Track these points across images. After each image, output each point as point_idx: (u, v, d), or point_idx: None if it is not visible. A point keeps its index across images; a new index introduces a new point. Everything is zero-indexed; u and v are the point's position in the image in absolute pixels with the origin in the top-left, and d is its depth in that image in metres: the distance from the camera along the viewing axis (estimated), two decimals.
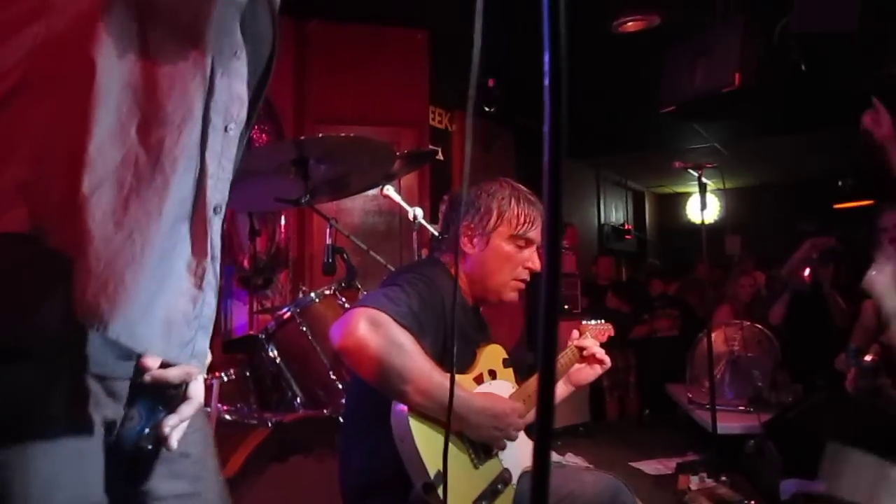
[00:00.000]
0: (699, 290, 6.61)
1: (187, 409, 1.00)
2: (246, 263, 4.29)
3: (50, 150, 0.83)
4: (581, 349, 2.16)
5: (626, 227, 9.94)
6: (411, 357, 1.63)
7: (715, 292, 6.50)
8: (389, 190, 2.96)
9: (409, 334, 1.65)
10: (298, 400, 2.72)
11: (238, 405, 2.74)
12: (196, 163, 0.92)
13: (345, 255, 2.80)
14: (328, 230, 2.68)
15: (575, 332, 2.21)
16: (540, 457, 0.56)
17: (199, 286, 0.94)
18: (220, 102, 0.95)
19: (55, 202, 0.82)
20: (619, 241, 9.73)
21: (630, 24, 4.81)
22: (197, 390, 1.03)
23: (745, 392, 4.74)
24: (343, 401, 2.57)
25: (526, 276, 2.01)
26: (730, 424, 4.34)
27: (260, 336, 2.79)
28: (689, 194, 10.71)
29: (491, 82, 5.83)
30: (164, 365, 0.97)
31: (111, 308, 0.82)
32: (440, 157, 6.13)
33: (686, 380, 5.25)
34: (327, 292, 2.71)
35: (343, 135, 2.19)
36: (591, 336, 2.21)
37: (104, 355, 0.90)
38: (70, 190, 0.81)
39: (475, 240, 1.95)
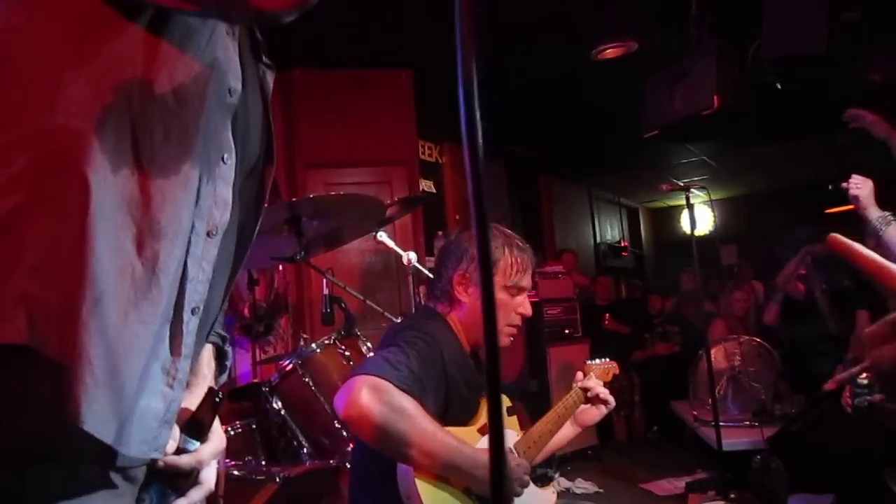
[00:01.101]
0: (696, 304, 6.65)
1: (196, 494, 1.04)
2: (246, 312, 4.34)
3: (49, 264, 0.86)
4: (586, 390, 2.19)
5: (623, 244, 9.99)
6: (414, 421, 1.66)
7: (712, 305, 6.55)
8: (383, 236, 3.02)
9: (410, 398, 1.68)
10: (305, 450, 2.76)
11: (246, 458, 2.77)
12: (180, 268, 0.96)
13: (342, 304, 2.85)
14: (325, 281, 2.74)
15: (579, 374, 2.24)
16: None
17: (171, 385, 0.97)
18: (204, 209, 0.99)
19: (54, 313, 0.85)
20: (617, 258, 9.79)
21: (609, 51, 4.90)
22: (209, 476, 1.07)
23: (749, 406, 4.76)
24: (349, 448, 2.61)
25: (518, 321, 2.05)
26: (736, 440, 4.36)
27: (263, 389, 2.83)
28: (683, 207, 10.74)
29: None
30: (178, 451, 1.01)
31: (112, 418, 0.87)
32: (433, 189, 6.22)
33: (690, 396, 5.28)
34: (327, 342, 2.75)
35: (333, 193, 2.25)
36: (596, 376, 2.25)
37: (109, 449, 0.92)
38: (69, 302, 0.85)
39: (469, 289, 1.98)
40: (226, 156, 1.02)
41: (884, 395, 2.48)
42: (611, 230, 10.02)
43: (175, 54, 0.94)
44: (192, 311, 0.98)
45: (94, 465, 0.91)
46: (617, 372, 2.36)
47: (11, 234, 0.85)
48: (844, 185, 2.76)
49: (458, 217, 6.44)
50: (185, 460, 1.02)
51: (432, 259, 5.50)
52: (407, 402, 1.68)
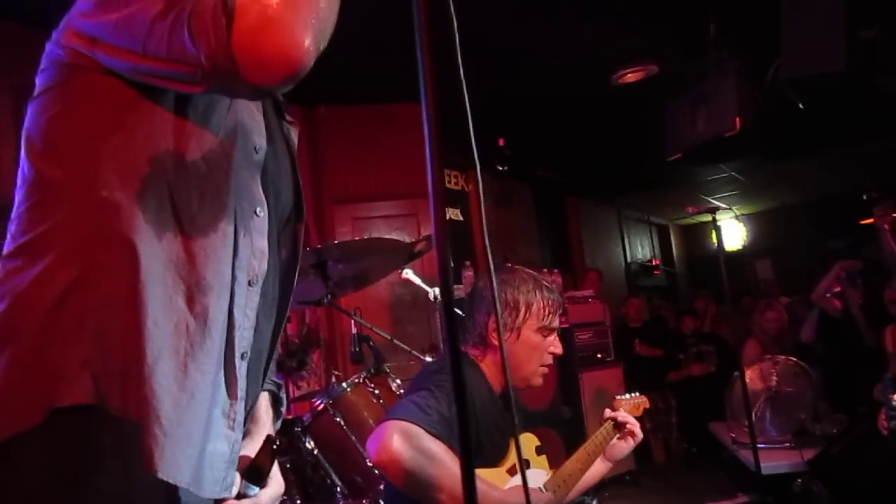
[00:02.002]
0: (730, 323, 6.58)
1: None
2: (279, 348, 4.39)
3: (108, 329, 0.94)
4: (616, 424, 2.19)
5: (654, 262, 9.90)
6: (444, 466, 1.68)
7: (745, 323, 6.46)
8: (409, 273, 3.05)
9: (440, 442, 1.71)
10: (338, 489, 2.78)
11: (282, 499, 2.80)
12: (226, 317, 1.03)
13: (370, 343, 2.88)
14: (353, 321, 2.77)
15: (608, 411, 2.24)
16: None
17: (233, 428, 1.04)
18: (244, 260, 1.06)
19: (115, 374, 0.93)
20: (648, 277, 9.71)
21: (629, 75, 4.92)
22: None
23: (789, 427, 4.66)
24: (381, 487, 2.63)
25: (550, 360, 2.08)
26: (775, 463, 4.27)
27: (296, 429, 2.86)
28: (709, 211, 10.65)
29: (501, 141, 5.95)
30: (239, 495, 1.08)
31: (186, 463, 0.94)
32: (459, 216, 6.25)
33: (727, 418, 5.19)
34: (357, 381, 2.78)
35: (358, 238, 2.28)
36: (626, 411, 2.25)
37: (188, 496, 0.99)
38: (130, 361, 0.93)
39: (505, 333, 2.00)
40: (258, 209, 1.09)
41: None
42: (641, 249, 9.95)
43: (201, 123, 1.02)
44: (242, 357, 1.05)
45: None
46: (648, 406, 2.36)
47: (74, 303, 0.93)
48: None
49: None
50: None
51: (460, 287, 5.51)
52: (437, 447, 1.70)
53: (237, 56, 0.85)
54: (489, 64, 4.63)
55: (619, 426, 2.20)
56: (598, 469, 2.21)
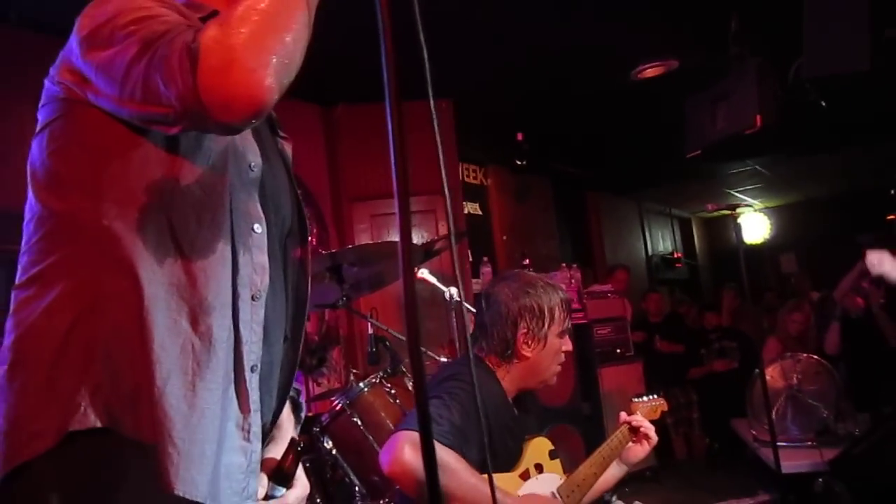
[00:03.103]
0: (752, 320, 6.51)
1: None
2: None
3: (116, 355, 0.98)
4: (632, 428, 2.19)
5: (676, 255, 9.83)
6: (456, 476, 1.70)
7: (769, 320, 6.39)
8: (425, 273, 3.06)
9: (452, 452, 1.73)
10: (357, 489, 2.80)
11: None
12: (231, 334, 1.06)
13: (387, 344, 2.90)
14: (369, 323, 2.79)
15: (623, 415, 2.24)
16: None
17: (248, 439, 1.08)
18: (245, 276, 1.09)
19: (126, 398, 0.97)
20: (670, 270, 9.64)
21: (649, 70, 4.88)
22: None
23: (811, 426, 4.61)
24: (398, 487, 2.65)
25: (563, 359, 2.08)
26: (797, 462, 4.24)
27: (315, 429, 2.89)
28: (729, 208, 10.53)
29: (520, 136, 5.93)
30: (267, 497, 1.14)
31: (201, 479, 0.99)
32: (478, 210, 6.25)
33: (748, 416, 5.15)
34: (374, 381, 2.81)
35: (371, 242, 2.29)
36: (643, 414, 2.25)
37: None
38: (140, 385, 0.97)
39: (532, 344, 2.01)
40: (256, 226, 1.12)
41: None
42: (663, 242, 9.88)
43: (193, 149, 1.05)
44: (252, 370, 1.09)
45: None
46: (665, 409, 2.35)
47: (83, 331, 0.98)
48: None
49: (504, 238, 6.46)
50: None
51: (478, 282, 5.52)
52: (449, 457, 1.72)
53: (203, 97, 0.89)
54: (509, 58, 4.61)
55: (634, 430, 2.20)
56: (614, 473, 2.21)
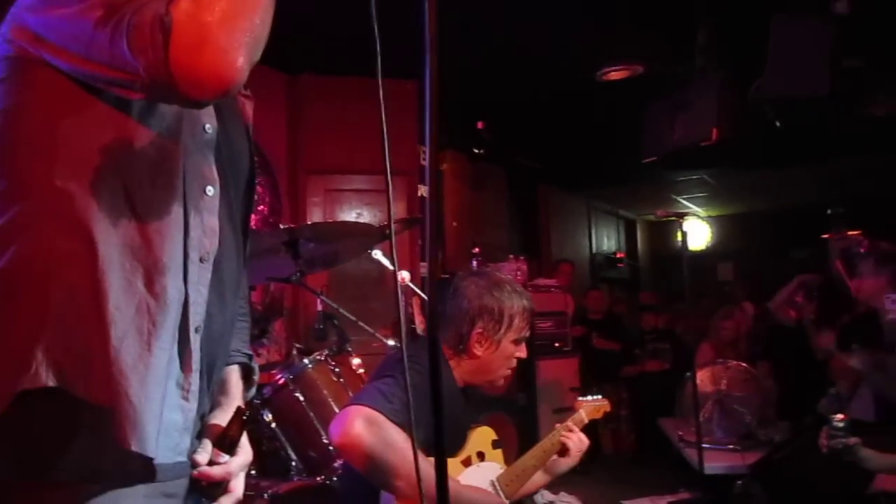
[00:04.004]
0: (687, 322, 6.72)
1: (226, 501, 1.18)
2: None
3: (69, 316, 0.99)
4: (564, 442, 2.23)
5: (619, 255, 10.03)
6: (402, 454, 1.73)
7: (703, 324, 6.59)
8: (378, 254, 3.05)
9: (401, 431, 1.76)
10: (293, 463, 2.80)
11: None
12: (181, 295, 1.08)
13: (335, 322, 2.90)
14: (319, 300, 2.78)
15: (556, 426, 2.28)
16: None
17: (187, 398, 1.10)
18: (195, 239, 1.10)
19: (77, 359, 0.98)
20: (612, 269, 9.83)
21: (614, 73, 4.95)
22: (238, 486, 1.21)
23: (735, 430, 4.80)
24: (336, 465, 2.66)
25: (514, 365, 2.12)
26: (718, 464, 4.40)
27: (255, 402, 2.87)
28: (677, 215, 10.78)
29: (480, 125, 5.95)
30: (210, 463, 1.15)
31: (153, 435, 1.02)
32: None
33: (676, 415, 5.32)
34: (319, 358, 2.80)
35: (331, 221, 2.29)
36: (587, 413, 2.31)
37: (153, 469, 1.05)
38: (94, 345, 0.98)
39: (485, 344, 2.04)
40: (209, 188, 1.13)
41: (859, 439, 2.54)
42: (608, 241, 10.06)
43: (147, 110, 1.05)
44: (196, 330, 1.10)
45: (137, 486, 1.03)
46: (608, 410, 2.42)
47: (35, 293, 0.99)
48: None
49: (455, 224, 6.48)
50: (216, 472, 1.15)
51: (426, 265, 5.53)
52: (397, 436, 1.75)
53: (174, 73, 0.89)
54: (478, 47, 4.61)
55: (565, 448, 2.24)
56: (539, 479, 2.26)
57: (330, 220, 4.61)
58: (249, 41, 0.92)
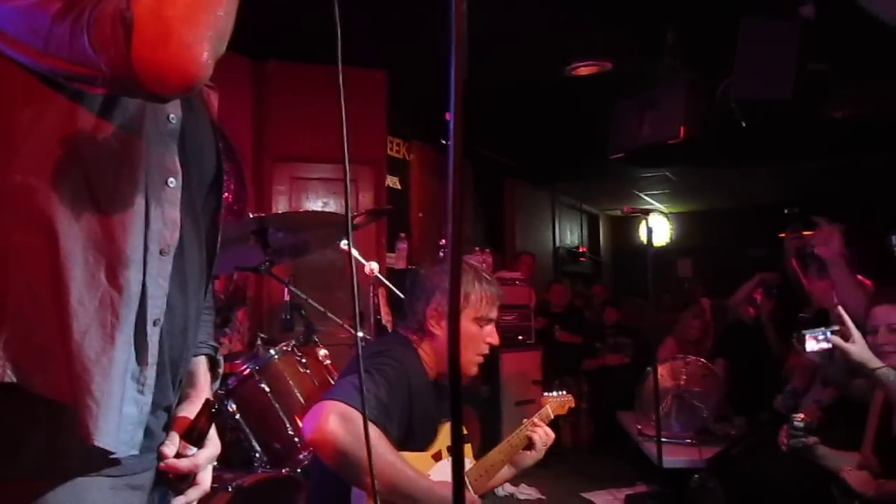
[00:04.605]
0: (647, 317, 6.82)
1: (194, 494, 1.19)
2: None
3: (28, 310, 0.98)
4: (531, 440, 2.25)
5: (582, 249, 10.12)
6: (376, 452, 1.71)
7: (664, 319, 6.70)
8: (346, 244, 3.04)
9: (376, 428, 1.75)
10: (257, 454, 2.77)
11: None
12: (140, 288, 1.06)
13: (303, 312, 2.87)
14: (286, 289, 2.75)
15: (524, 421, 2.30)
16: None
17: (142, 392, 1.08)
18: (156, 231, 1.08)
19: (35, 352, 0.97)
20: (575, 263, 9.91)
21: (583, 68, 4.98)
22: (205, 478, 1.21)
23: (692, 425, 4.89)
24: (301, 456, 2.65)
25: (486, 350, 2.12)
26: (676, 458, 4.48)
27: (220, 392, 2.84)
28: (642, 212, 10.91)
29: (448, 116, 5.92)
30: (178, 455, 1.14)
31: (115, 429, 1.01)
32: (398, 185, 6.23)
33: (636, 409, 5.40)
34: (286, 349, 2.77)
35: (302, 210, 2.26)
36: (552, 408, 2.33)
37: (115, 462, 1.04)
38: (53, 340, 0.97)
39: (442, 322, 2.03)
40: (170, 179, 1.11)
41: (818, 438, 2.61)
42: (570, 235, 10.14)
43: (109, 101, 1.03)
44: (154, 323, 1.08)
45: (103, 479, 1.03)
46: (573, 405, 2.44)
47: None
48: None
49: (420, 215, 6.47)
50: (183, 464, 1.15)
51: (392, 256, 5.52)
52: (372, 433, 1.73)
53: (137, 68, 0.88)
54: (445, 42, 4.58)
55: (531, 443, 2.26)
56: (505, 474, 2.28)
57: (296, 209, 4.56)
58: (213, 35, 0.91)
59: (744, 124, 3.71)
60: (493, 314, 2.10)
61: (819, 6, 3.48)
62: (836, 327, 2.47)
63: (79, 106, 1.00)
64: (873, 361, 2.40)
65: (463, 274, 2.07)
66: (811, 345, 2.53)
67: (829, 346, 2.45)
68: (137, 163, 1.05)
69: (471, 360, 2.10)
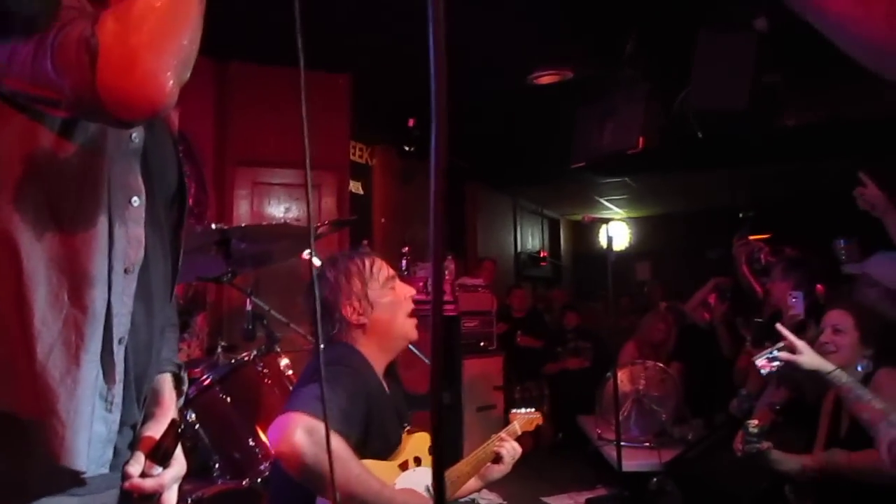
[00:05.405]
0: (604, 321, 6.92)
1: None
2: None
3: None
4: (498, 454, 2.28)
5: (543, 254, 10.20)
6: (341, 464, 1.73)
7: (622, 322, 6.79)
8: (308, 254, 3.03)
9: (340, 439, 1.75)
10: (217, 465, 2.75)
11: None
12: (105, 306, 1.07)
13: (264, 322, 2.85)
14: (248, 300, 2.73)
15: (492, 436, 2.33)
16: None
17: (110, 410, 1.09)
18: (120, 250, 1.09)
19: None
20: (536, 267, 9.99)
21: (545, 77, 5.03)
22: (170, 498, 1.21)
23: (651, 428, 4.97)
24: (261, 467, 2.63)
25: (412, 305, 2.12)
26: (636, 462, 4.55)
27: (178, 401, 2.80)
28: (602, 220, 11.04)
29: (411, 122, 5.94)
30: (143, 475, 1.14)
31: (83, 448, 1.01)
32: (360, 190, 6.22)
33: (596, 413, 5.47)
34: (247, 358, 2.75)
35: (265, 223, 2.26)
36: (520, 425, 2.37)
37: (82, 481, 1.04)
38: (16, 360, 0.97)
39: (358, 307, 2.03)
40: (134, 198, 1.12)
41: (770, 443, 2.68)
42: (532, 240, 10.22)
43: (71, 122, 1.03)
44: (119, 342, 1.09)
45: (67, 498, 1.03)
46: (541, 422, 2.49)
47: None
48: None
49: (383, 220, 6.46)
50: (148, 484, 1.15)
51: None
52: (337, 444, 1.74)
53: (101, 95, 0.89)
54: (411, 44, 4.58)
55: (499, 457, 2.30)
56: (472, 486, 2.30)
57: (258, 213, 4.52)
58: (178, 63, 0.92)
59: (700, 135, 3.80)
60: (388, 271, 2.11)
61: (772, 20, 3.57)
62: (781, 343, 2.53)
63: (40, 125, 1.00)
64: (825, 366, 2.47)
65: (331, 265, 2.08)
66: (764, 366, 2.60)
67: (780, 363, 2.52)
68: (100, 182, 1.05)
69: (404, 322, 2.09)
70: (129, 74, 0.88)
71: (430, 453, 2.12)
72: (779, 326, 2.63)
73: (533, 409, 2.48)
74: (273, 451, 1.77)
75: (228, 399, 2.71)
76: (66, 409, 0.98)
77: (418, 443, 2.10)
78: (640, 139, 3.88)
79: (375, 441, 1.97)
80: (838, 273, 3.66)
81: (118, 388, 1.09)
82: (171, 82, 0.91)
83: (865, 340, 2.67)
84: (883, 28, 0.69)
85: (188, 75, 0.95)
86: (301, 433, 1.70)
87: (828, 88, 4.75)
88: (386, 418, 2.04)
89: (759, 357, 2.61)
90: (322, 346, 2.14)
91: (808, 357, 2.47)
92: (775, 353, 2.53)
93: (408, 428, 2.12)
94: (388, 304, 2.06)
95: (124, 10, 0.90)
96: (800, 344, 2.49)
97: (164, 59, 0.90)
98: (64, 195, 1.01)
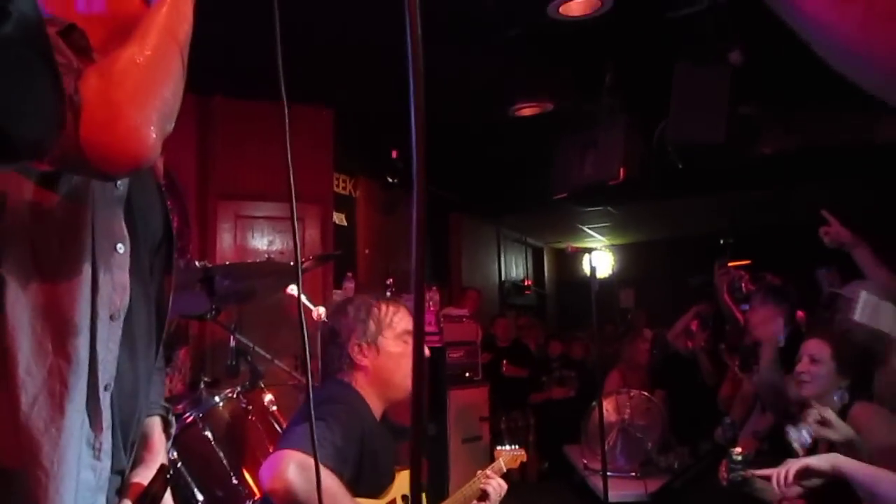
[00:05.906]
0: (588, 350, 6.92)
1: None
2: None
3: None
4: (484, 491, 2.29)
5: (527, 282, 10.22)
6: (333, 500, 1.73)
7: (607, 349, 6.80)
8: (294, 290, 3.02)
9: (334, 477, 1.76)
10: (199, 502, 2.71)
11: None
12: (88, 353, 1.06)
13: (248, 358, 2.84)
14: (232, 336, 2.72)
15: (478, 472, 2.35)
16: None
17: (98, 458, 1.08)
18: (105, 297, 1.09)
19: None
20: (520, 296, 10.00)
21: (526, 109, 5.10)
22: None
23: (636, 457, 4.96)
24: None
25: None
26: (622, 492, 4.53)
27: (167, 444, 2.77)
28: (586, 250, 11.10)
29: (394, 154, 5.97)
30: None
31: (68, 498, 1.00)
32: (344, 222, 6.22)
33: (581, 443, 5.45)
34: (231, 395, 2.73)
35: (250, 261, 2.26)
36: (505, 462, 2.39)
37: None
38: (2, 410, 0.96)
39: (365, 349, 2.06)
40: (119, 245, 1.12)
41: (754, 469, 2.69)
42: (516, 268, 10.24)
43: (56, 172, 1.03)
44: (105, 388, 1.08)
45: None
46: (525, 459, 2.50)
47: None
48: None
49: (367, 251, 6.46)
50: None
51: (339, 293, 5.49)
52: (330, 481, 1.75)
53: (85, 150, 0.89)
54: (394, 77, 4.62)
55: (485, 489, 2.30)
56: None
57: (242, 247, 4.51)
58: (160, 116, 0.93)
59: (680, 166, 3.86)
60: (408, 324, 2.12)
61: (746, 53, 3.65)
62: (810, 426, 2.43)
63: (21, 177, 1.00)
64: (849, 433, 2.40)
65: (356, 307, 2.11)
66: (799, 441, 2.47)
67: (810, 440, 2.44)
68: (84, 229, 1.05)
69: (406, 376, 2.09)
70: (112, 130, 0.89)
71: (404, 501, 2.12)
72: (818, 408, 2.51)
73: (517, 447, 2.50)
74: (266, 488, 1.76)
75: (211, 437, 2.68)
76: (50, 459, 0.97)
77: (406, 480, 2.09)
78: (621, 169, 3.94)
79: (368, 479, 1.97)
80: (818, 299, 3.71)
81: (106, 436, 1.08)
82: (154, 136, 0.92)
83: (842, 371, 2.68)
84: (857, 36, 0.64)
85: (171, 127, 0.96)
86: (294, 470, 1.70)
87: (802, 117, 4.87)
88: (380, 457, 2.04)
89: (794, 436, 2.49)
90: (320, 381, 2.17)
91: (834, 433, 2.39)
92: (809, 433, 2.43)
93: (398, 466, 2.13)
94: (396, 354, 2.07)
95: (107, 66, 0.91)
96: (830, 416, 2.41)
97: (146, 114, 0.91)
98: (48, 243, 1.02)
